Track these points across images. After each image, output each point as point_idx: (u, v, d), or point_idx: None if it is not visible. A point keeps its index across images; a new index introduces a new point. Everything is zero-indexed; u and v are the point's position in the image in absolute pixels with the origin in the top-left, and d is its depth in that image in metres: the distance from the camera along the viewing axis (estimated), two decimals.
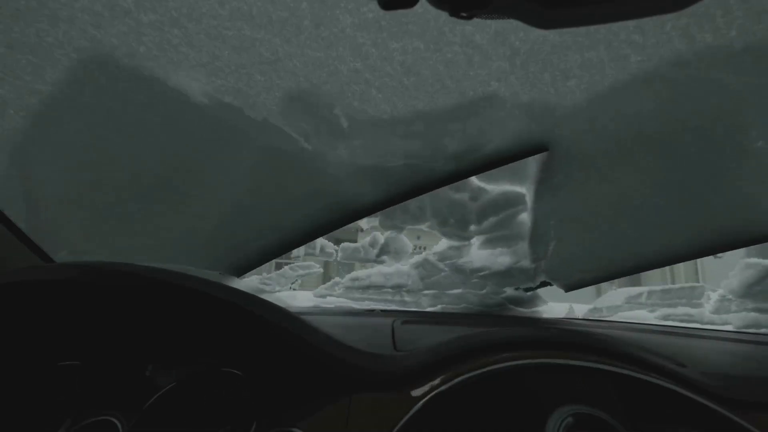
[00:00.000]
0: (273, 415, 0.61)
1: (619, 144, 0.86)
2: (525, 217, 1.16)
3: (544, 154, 0.91)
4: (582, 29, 0.68)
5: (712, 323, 1.39)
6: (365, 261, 1.50)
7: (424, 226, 1.28)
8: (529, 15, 0.39)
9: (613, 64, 0.73)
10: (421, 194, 1.01)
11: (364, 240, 1.56)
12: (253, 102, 0.83)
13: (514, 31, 0.70)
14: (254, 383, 0.65)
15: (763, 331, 1.26)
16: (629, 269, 1.17)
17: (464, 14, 0.40)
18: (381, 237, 1.50)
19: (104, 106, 0.83)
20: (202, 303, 0.63)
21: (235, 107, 0.83)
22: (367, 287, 1.39)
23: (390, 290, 1.39)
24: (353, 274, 1.46)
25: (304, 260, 1.64)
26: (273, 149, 0.92)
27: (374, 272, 1.42)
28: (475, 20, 0.41)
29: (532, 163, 0.98)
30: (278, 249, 1.11)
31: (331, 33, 0.71)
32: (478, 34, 0.71)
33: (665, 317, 1.48)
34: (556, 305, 1.49)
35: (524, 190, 1.10)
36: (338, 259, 1.53)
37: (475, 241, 1.32)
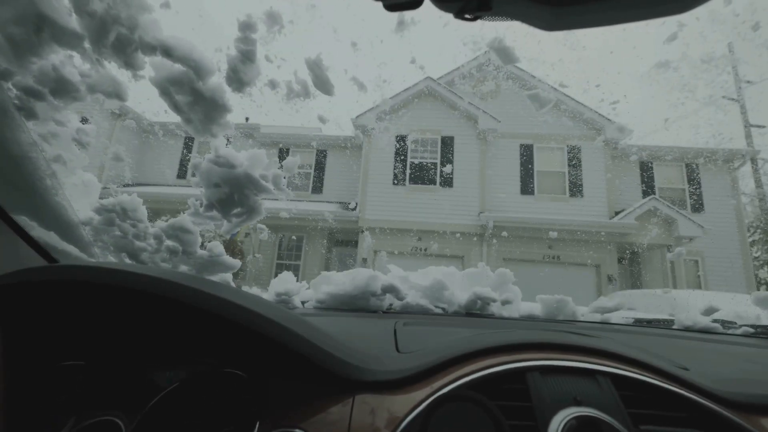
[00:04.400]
0: (276, 415, 0.61)
1: None
2: None
3: None
4: None
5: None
6: None
7: None
8: (533, 17, 0.39)
9: None
10: None
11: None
12: None
13: None
14: (257, 384, 0.65)
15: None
16: None
17: (468, 16, 0.40)
18: None
19: None
20: (205, 304, 0.63)
21: None
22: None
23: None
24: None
25: None
26: None
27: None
28: (479, 22, 0.41)
29: None
30: None
31: None
32: None
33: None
34: None
35: None
36: None
37: None
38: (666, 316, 1.52)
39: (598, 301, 1.42)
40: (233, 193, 1.26)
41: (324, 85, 1.47)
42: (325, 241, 10.90)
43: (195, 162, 1.22)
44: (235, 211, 1.30)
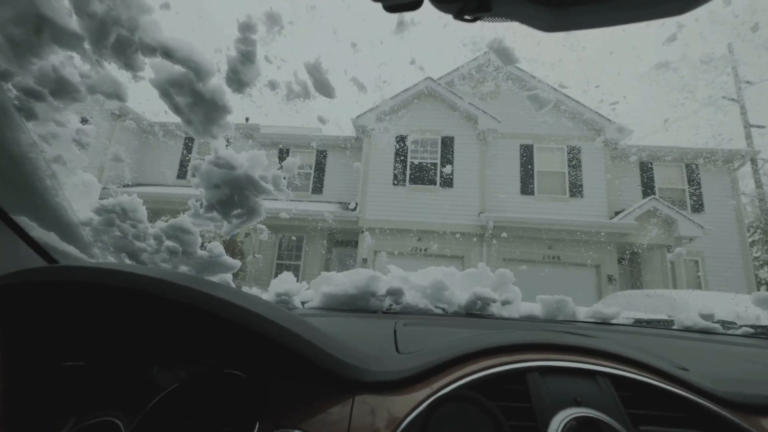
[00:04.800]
0: (275, 415, 0.61)
1: None
2: None
3: None
4: None
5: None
6: None
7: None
8: (533, 18, 0.39)
9: None
10: None
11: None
12: None
13: None
14: (257, 384, 0.65)
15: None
16: None
17: (468, 17, 0.40)
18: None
19: None
20: (205, 304, 0.63)
21: None
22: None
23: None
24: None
25: None
26: None
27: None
28: (479, 22, 0.41)
29: None
30: None
31: None
32: None
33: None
34: None
35: None
36: None
37: None
38: (666, 317, 1.52)
39: (596, 306, 1.42)
40: (233, 195, 1.26)
41: (325, 89, 1.48)
42: (325, 241, 10.90)
43: (195, 163, 1.22)
44: (236, 212, 1.30)
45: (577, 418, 0.56)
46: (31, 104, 0.97)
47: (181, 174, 12.27)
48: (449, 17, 0.40)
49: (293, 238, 10.96)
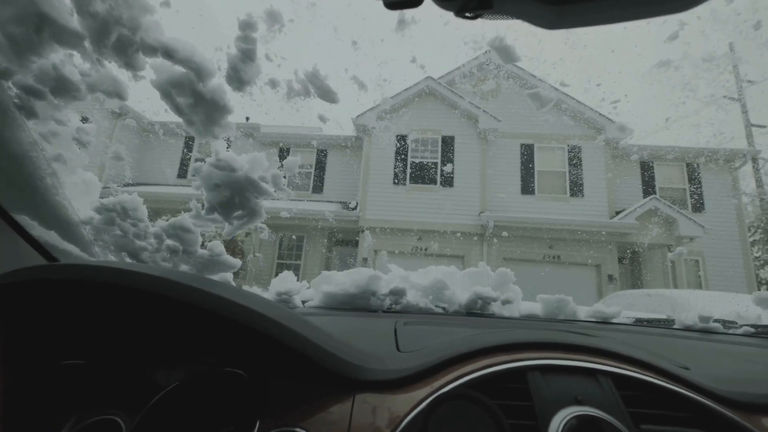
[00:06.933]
0: (276, 414, 0.61)
1: None
2: None
3: None
4: None
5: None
6: None
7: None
8: (534, 16, 0.39)
9: None
10: None
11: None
12: None
13: None
14: (257, 383, 0.65)
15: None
16: None
17: (469, 15, 0.40)
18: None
19: None
20: (206, 303, 0.63)
21: None
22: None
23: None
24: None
25: None
26: None
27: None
28: (480, 20, 0.41)
29: None
30: None
31: None
32: None
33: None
34: None
35: None
36: None
37: None
38: (666, 316, 1.52)
39: (596, 305, 1.42)
40: (234, 196, 1.26)
41: (327, 95, 1.48)
42: (325, 240, 10.91)
43: (196, 166, 1.22)
44: (237, 213, 1.30)
45: (578, 417, 0.56)
46: (32, 103, 0.97)
47: (182, 173, 12.27)
48: (450, 15, 0.40)
49: (294, 237, 10.97)
